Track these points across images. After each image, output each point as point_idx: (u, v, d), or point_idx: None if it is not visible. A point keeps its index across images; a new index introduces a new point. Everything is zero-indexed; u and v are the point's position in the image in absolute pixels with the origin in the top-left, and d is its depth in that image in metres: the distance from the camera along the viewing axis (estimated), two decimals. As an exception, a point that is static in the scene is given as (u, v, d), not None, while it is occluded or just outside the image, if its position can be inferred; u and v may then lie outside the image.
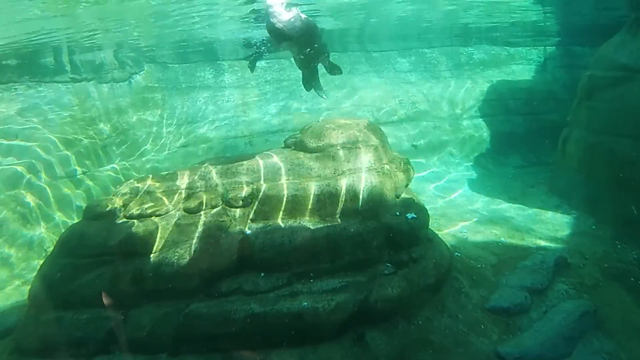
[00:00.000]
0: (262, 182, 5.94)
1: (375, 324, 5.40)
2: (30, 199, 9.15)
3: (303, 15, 6.33)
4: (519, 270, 6.66)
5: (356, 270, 5.67)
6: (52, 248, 6.34)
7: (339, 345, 5.19)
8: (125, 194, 6.03)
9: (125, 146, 11.96)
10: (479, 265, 6.89)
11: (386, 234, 5.85)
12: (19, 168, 9.36)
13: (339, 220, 5.77)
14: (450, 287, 6.13)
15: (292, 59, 7.43)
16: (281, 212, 5.76)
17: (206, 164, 6.41)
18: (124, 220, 5.66)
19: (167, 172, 6.59)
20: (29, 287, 5.83)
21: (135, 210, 5.70)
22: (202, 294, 5.37)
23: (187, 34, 13.36)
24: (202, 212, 5.74)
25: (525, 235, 8.07)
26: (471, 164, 13.47)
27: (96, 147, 11.19)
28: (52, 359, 5.18)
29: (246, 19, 11.36)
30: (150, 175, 6.44)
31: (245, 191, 5.84)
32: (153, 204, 5.79)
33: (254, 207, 5.78)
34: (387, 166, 6.35)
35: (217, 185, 5.97)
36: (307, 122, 7.47)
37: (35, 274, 5.82)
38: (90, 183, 10.60)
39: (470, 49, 16.52)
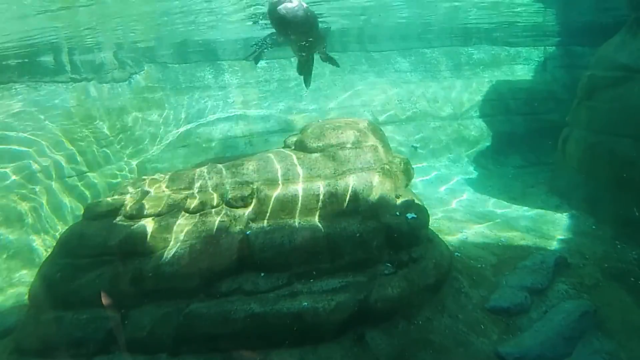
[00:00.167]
0: (262, 182, 5.94)
1: (375, 324, 5.40)
2: (30, 198, 9.15)
3: (304, 5, 6.35)
4: (519, 270, 6.66)
5: (356, 270, 5.67)
6: (51, 248, 6.34)
7: (339, 345, 5.19)
8: (125, 194, 6.03)
9: (125, 146, 11.97)
10: (479, 265, 6.89)
11: (386, 234, 5.85)
12: (20, 168, 9.36)
13: (339, 220, 5.77)
14: (450, 287, 6.13)
15: (290, 46, 7.45)
16: (281, 212, 5.76)
17: (206, 164, 6.41)
18: (124, 220, 5.66)
19: (167, 172, 6.59)
20: (28, 287, 5.83)
21: (135, 210, 5.70)
22: (202, 294, 5.37)
23: (187, 33, 13.39)
24: (202, 212, 5.74)
25: (525, 235, 8.07)
26: (471, 164, 13.47)
27: (96, 147, 11.19)
28: (52, 359, 5.18)
29: (252, 19, 11.33)
30: (150, 176, 6.44)
31: (245, 191, 5.84)
32: (153, 204, 5.79)
33: (254, 207, 5.79)
34: (387, 166, 6.35)
35: (217, 185, 5.97)
36: (307, 122, 7.47)
37: (34, 274, 5.82)
38: (90, 183, 10.60)
39: (470, 49, 16.52)
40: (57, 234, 8.91)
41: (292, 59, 15.29)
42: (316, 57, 8.09)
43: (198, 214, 5.73)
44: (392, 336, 5.33)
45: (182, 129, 13.06)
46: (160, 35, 13.40)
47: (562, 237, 7.98)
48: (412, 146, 13.49)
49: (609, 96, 8.68)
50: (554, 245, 7.64)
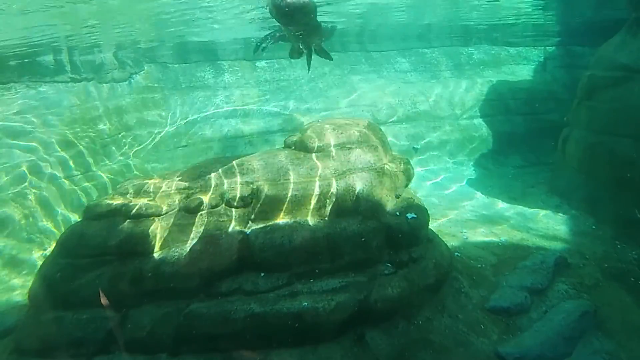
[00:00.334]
0: (262, 182, 5.94)
1: (375, 324, 5.40)
2: (30, 199, 9.15)
3: None
4: (519, 270, 6.66)
5: (356, 270, 5.67)
6: (52, 248, 6.34)
7: (339, 345, 5.19)
8: (125, 194, 6.03)
9: (125, 146, 11.96)
10: (479, 265, 6.89)
11: (386, 234, 5.85)
12: (19, 168, 9.36)
13: (339, 220, 5.77)
14: (450, 287, 6.13)
15: (287, 34, 7.48)
16: (281, 212, 5.76)
17: (206, 164, 6.41)
18: (124, 220, 5.66)
19: (167, 172, 6.59)
20: (27, 287, 5.83)
21: (135, 210, 5.70)
22: (202, 294, 5.37)
23: (187, 33, 13.38)
24: (202, 212, 5.74)
25: (525, 235, 8.07)
26: (471, 164, 13.47)
27: (96, 147, 11.19)
28: (52, 359, 5.18)
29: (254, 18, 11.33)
30: (150, 175, 6.44)
31: (245, 191, 5.84)
32: (153, 203, 5.79)
33: (254, 207, 5.78)
34: (387, 166, 6.35)
35: (217, 185, 5.97)
36: (307, 122, 7.47)
37: (35, 273, 5.82)
38: (90, 183, 10.60)
39: (470, 49, 16.52)
40: (56, 234, 8.91)
41: (292, 59, 15.31)
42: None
43: (198, 213, 5.73)
44: (392, 336, 5.33)
45: (182, 129, 13.06)
46: (160, 35, 13.39)
47: (562, 237, 7.98)
48: (413, 147, 13.48)
49: (609, 96, 8.68)
50: (553, 245, 7.64)
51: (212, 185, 5.97)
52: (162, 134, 12.79)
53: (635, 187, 7.76)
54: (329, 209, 5.80)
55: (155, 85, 13.65)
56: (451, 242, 7.54)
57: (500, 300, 6.00)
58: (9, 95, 10.75)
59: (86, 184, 10.50)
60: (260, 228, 5.64)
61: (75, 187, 10.23)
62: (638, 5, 8.66)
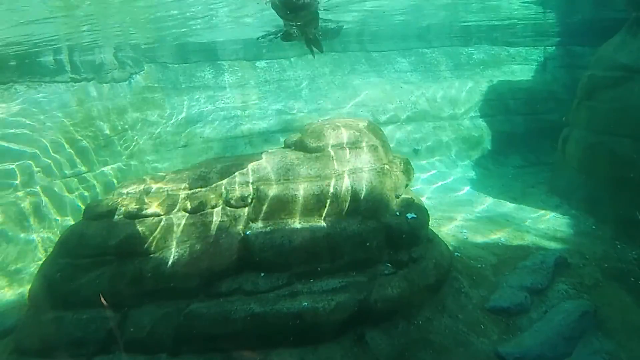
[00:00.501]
0: (262, 182, 5.94)
1: (375, 324, 5.40)
2: (30, 199, 9.15)
3: None
4: (519, 270, 6.66)
5: (356, 270, 5.68)
6: (51, 248, 6.34)
7: (339, 345, 5.20)
8: (125, 194, 6.02)
9: (125, 146, 11.96)
10: (479, 265, 6.89)
11: (386, 234, 5.85)
12: (20, 168, 9.36)
13: (339, 220, 5.77)
14: (450, 287, 6.13)
15: (281, 18, 7.54)
16: (281, 212, 5.76)
17: (206, 164, 6.41)
18: (124, 220, 5.66)
19: (167, 172, 6.59)
20: (27, 287, 5.83)
21: (135, 210, 5.70)
22: (202, 294, 5.37)
23: (187, 33, 13.38)
24: (202, 212, 5.73)
25: (525, 235, 8.07)
26: (471, 164, 13.47)
27: (96, 147, 11.18)
28: (52, 359, 5.18)
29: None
30: (150, 175, 6.44)
31: (245, 191, 5.84)
32: (153, 204, 5.79)
33: (254, 207, 5.78)
34: (387, 166, 6.35)
35: (217, 185, 5.96)
36: (307, 122, 7.47)
37: (34, 274, 5.82)
38: (90, 183, 10.60)
39: (470, 49, 16.52)
40: (57, 234, 8.90)
41: (292, 59, 15.33)
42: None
43: (198, 214, 5.73)
44: (392, 336, 5.33)
45: (182, 129, 13.06)
46: (160, 35, 13.39)
47: (562, 237, 7.97)
48: (414, 149, 13.45)
49: (609, 96, 8.68)
50: (554, 245, 7.64)
51: (212, 185, 5.97)
52: (162, 134, 12.79)
53: (635, 187, 7.76)
54: (329, 209, 5.80)
55: (155, 85, 13.65)
56: (451, 242, 7.54)
57: (500, 300, 6.00)
58: (9, 95, 10.75)
59: (86, 184, 10.50)
60: (260, 228, 5.64)
61: (76, 187, 10.23)
62: (638, 5, 8.66)
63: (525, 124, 14.08)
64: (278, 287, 5.41)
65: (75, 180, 10.33)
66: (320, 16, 11.08)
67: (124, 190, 6.08)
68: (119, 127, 12.04)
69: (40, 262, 6.45)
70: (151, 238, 5.50)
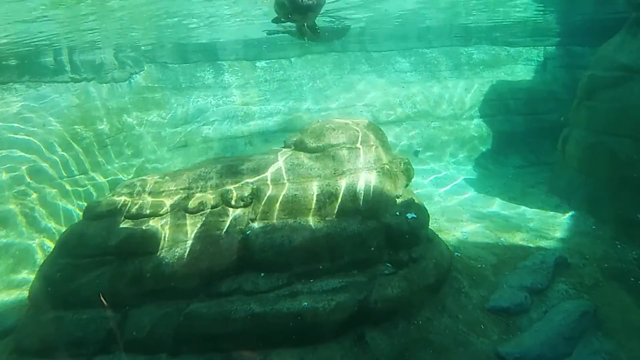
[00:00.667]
0: (262, 182, 5.94)
1: (375, 324, 5.40)
2: (30, 199, 9.15)
3: None
4: (519, 270, 6.66)
5: (356, 270, 5.68)
6: (50, 249, 6.34)
7: (339, 345, 5.20)
8: (125, 194, 6.03)
9: (125, 146, 11.96)
10: (479, 265, 6.89)
11: (386, 234, 5.85)
12: (19, 168, 9.36)
13: (339, 220, 5.77)
14: (450, 287, 6.13)
15: (285, 20, 7.52)
16: (281, 212, 5.76)
17: (206, 164, 6.41)
18: (124, 220, 5.66)
19: (167, 172, 6.59)
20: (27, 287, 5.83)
21: (135, 210, 5.71)
22: (202, 294, 5.37)
23: (187, 33, 13.38)
24: (202, 212, 5.73)
25: (525, 235, 8.07)
26: (471, 164, 13.47)
27: (96, 147, 11.19)
28: (52, 359, 5.18)
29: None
30: (150, 176, 6.44)
31: (245, 191, 5.84)
32: (153, 204, 5.79)
33: (254, 207, 5.78)
34: (387, 166, 6.35)
35: (217, 185, 5.97)
36: (307, 122, 7.46)
37: (35, 274, 5.82)
38: (90, 183, 10.60)
39: (470, 49, 16.51)
40: (56, 233, 8.90)
41: (293, 59, 15.33)
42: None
43: (198, 214, 5.73)
44: (392, 336, 5.33)
45: (182, 129, 13.06)
46: (160, 35, 13.40)
47: (562, 237, 7.97)
48: (415, 150, 13.43)
49: (609, 96, 8.68)
50: (554, 245, 7.64)
51: (212, 185, 5.97)
52: (162, 134, 12.79)
53: (635, 187, 7.76)
54: (328, 209, 5.81)
55: (155, 85, 13.64)
56: (451, 242, 7.54)
57: (500, 300, 6.00)
58: (9, 95, 10.75)
59: (86, 184, 10.50)
60: (260, 228, 5.64)
61: (76, 187, 10.23)
62: (638, 5, 8.66)
63: (525, 124, 14.08)
64: (278, 287, 5.41)
65: (76, 180, 10.33)
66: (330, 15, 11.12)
67: (124, 190, 6.09)
68: (119, 127, 12.04)
69: (39, 264, 6.44)
70: (151, 238, 5.50)
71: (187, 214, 5.73)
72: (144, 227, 5.55)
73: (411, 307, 5.64)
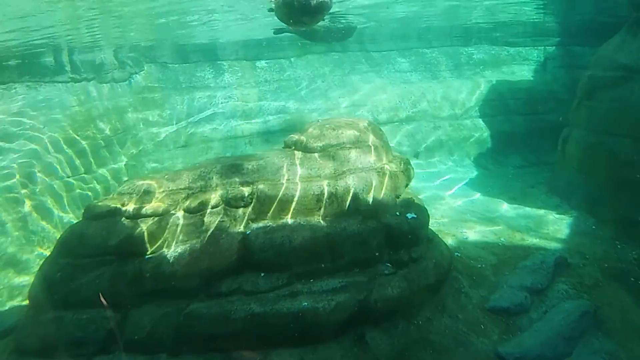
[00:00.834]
0: (262, 182, 5.94)
1: (375, 324, 5.40)
2: (30, 199, 9.15)
3: None
4: (519, 270, 6.66)
5: (356, 270, 5.68)
6: (50, 249, 6.34)
7: (339, 345, 5.20)
8: (125, 194, 6.02)
9: (125, 146, 11.97)
10: (479, 265, 6.89)
11: (386, 234, 5.85)
12: (19, 168, 9.36)
13: (339, 220, 5.77)
14: (450, 287, 6.13)
15: (290, 24, 7.47)
16: (281, 212, 5.76)
17: (206, 164, 6.41)
18: (124, 220, 5.65)
19: (167, 172, 6.58)
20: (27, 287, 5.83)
21: (135, 210, 5.70)
22: (202, 294, 5.37)
23: (187, 34, 13.39)
24: (202, 212, 5.73)
25: (525, 235, 8.07)
26: (471, 164, 13.47)
27: (96, 147, 11.19)
28: (52, 359, 5.18)
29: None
30: (150, 176, 6.44)
31: (245, 191, 5.84)
32: (153, 204, 5.79)
33: (254, 207, 5.78)
34: (387, 166, 6.35)
35: (217, 185, 5.96)
36: (307, 122, 7.46)
37: (35, 274, 5.82)
38: (90, 183, 10.60)
39: (470, 49, 16.52)
40: (56, 234, 8.90)
41: (292, 59, 15.34)
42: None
43: (198, 214, 5.72)
44: (392, 336, 5.33)
45: (182, 129, 13.06)
46: (160, 35, 13.40)
47: (562, 237, 7.97)
48: (416, 152, 13.41)
49: (609, 96, 8.68)
50: (554, 245, 7.64)
51: (213, 185, 5.97)
52: (162, 134, 12.80)
53: (635, 187, 7.76)
54: (329, 209, 5.80)
55: (155, 85, 13.65)
56: (451, 242, 7.54)
57: (500, 300, 6.00)
58: (9, 95, 10.75)
59: (86, 184, 10.50)
60: (260, 228, 5.64)
61: (76, 187, 10.23)
62: (638, 5, 8.66)
63: (525, 124, 14.08)
64: (278, 287, 5.41)
65: (76, 180, 10.33)
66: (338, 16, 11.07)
67: (124, 190, 6.08)
68: (119, 127, 12.04)
69: (38, 265, 6.44)
70: (151, 238, 5.50)
71: (187, 214, 5.73)
72: (144, 227, 5.54)
73: (411, 307, 5.64)
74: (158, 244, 5.50)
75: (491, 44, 16.66)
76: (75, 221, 8.03)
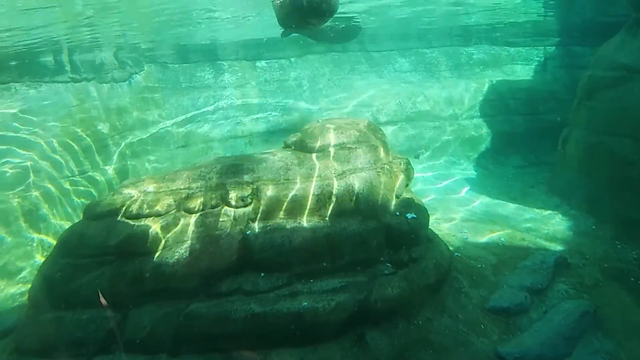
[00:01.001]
0: (262, 182, 5.94)
1: (375, 324, 5.40)
2: (30, 199, 9.15)
3: None
4: (519, 270, 6.66)
5: (356, 270, 5.67)
6: (49, 250, 6.34)
7: (339, 345, 5.19)
8: (125, 194, 6.02)
9: (125, 146, 11.96)
10: (479, 265, 6.89)
11: (386, 234, 5.85)
12: (19, 168, 9.36)
13: (339, 220, 5.77)
14: (450, 287, 6.13)
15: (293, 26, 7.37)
16: (281, 212, 5.76)
17: (206, 164, 6.41)
18: (124, 220, 5.66)
19: (167, 172, 6.59)
20: (28, 287, 5.83)
21: (135, 210, 5.70)
22: (202, 294, 5.37)
23: (187, 34, 13.39)
24: (202, 212, 5.73)
25: (525, 235, 8.07)
26: (471, 164, 13.46)
27: (96, 147, 11.18)
28: (52, 359, 5.17)
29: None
30: (150, 176, 6.44)
31: (245, 191, 5.84)
32: (153, 204, 5.79)
33: (254, 207, 5.78)
34: (387, 166, 6.35)
35: (217, 185, 5.96)
36: (307, 122, 7.46)
37: (35, 274, 5.82)
38: (90, 183, 10.60)
39: (470, 49, 16.52)
40: (55, 234, 8.90)
41: (292, 59, 15.34)
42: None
43: (198, 214, 5.73)
44: (392, 336, 5.33)
45: (182, 129, 13.06)
46: (160, 35, 13.40)
47: (562, 237, 7.97)
48: (417, 153, 13.38)
49: (609, 96, 8.68)
50: (553, 245, 7.64)
51: (212, 185, 5.97)
52: (162, 134, 12.80)
53: (635, 187, 7.76)
54: (329, 209, 5.80)
55: (155, 85, 13.65)
56: (451, 242, 7.54)
57: (500, 300, 6.00)
58: (9, 95, 10.75)
59: (86, 184, 10.50)
60: (260, 228, 5.64)
61: (76, 187, 10.23)
62: (638, 5, 8.66)
63: (525, 124, 14.07)
64: (278, 287, 5.41)
65: (76, 180, 10.33)
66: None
67: (124, 190, 6.08)
68: (119, 127, 12.05)
69: (39, 263, 6.44)
70: (151, 238, 5.50)
71: (187, 214, 5.73)
72: (144, 227, 5.55)
73: (411, 307, 5.64)
74: (158, 244, 5.50)
75: (491, 44, 16.65)
76: (74, 221, 8.05)
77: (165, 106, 13.26)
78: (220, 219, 5.67)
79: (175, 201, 5.85)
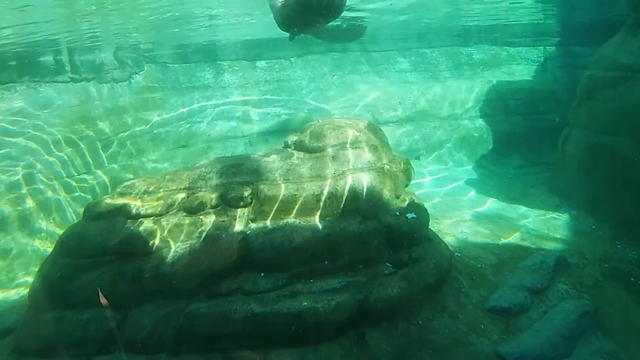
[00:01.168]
0: (262, 182, 5.94)
1: (375, 324, 5.40)
2: (30, 199, 9.15)
3: None
4: (519, 270, 6.66)
5: (356, 270, 5.67)
6: (50, 249, 6.34)
7: (339, 345, 5.19)
8: (125, 194, 6.03)
9: (125, 146, 11.97)
10: (479, 265, 6.89)
11: (386, 234, 5.85)
12: (19, 168, 9.36)
13: (339, 220, 5.77)
14: (450, 287, 6.13)
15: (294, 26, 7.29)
16: (281, 212, 5.76)
17: (206, 164, 6.41)
18: (124, 220, 5.66)
19: (167, 172, 6.59)
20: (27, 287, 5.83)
21: (135, 210, 5.70)
22: (202, 294, 5.37)
23: (187, 34, 13.39)
24: (202, 212, 5.74)
25: (525, 235, 8.07)
26: (471, 164, 13.47)
27: (96, 147, 11.20)
28: (52, 359, 5.17)
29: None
30: (150, 176, 6.44)
31: (245, 191, 5.84)
32: (153, 204, 5.79)
33: (254, 207, 5.78)
34: (387, 166, 6.35)
35: (217, 185, 5.96)
36: (307, 122, 7.47)
37: (34, 274, 5.82)
38: (90, 183, 10.61)
39: (470, 49, 16.53)
40: (55, 234, 8.90)
41: (292, 59, 15.34)
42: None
43: (198, 214, 5.73)
44: (392, 336, 5.33)
45: (182, 129, 13.06)
46: (160, 35, 13.40)
47: (562, 237, 7.98)
48: (418, 154, 13.38)
49: (609, 96, 8.68)
50: (554, 245, 7.64)
51: (212, 185, 5.97)
52: (162, 134, 12.80)
53: (635, 187, 7.76)
54: (329, 209, 5.80)
55: (155, 85, 13.65)
56: (451, 242, 7.54)
57: (500, 300, 6.00)
58: (9, 95, 10.75)
59: (86, 184, 10.50)
60: (260, 228, 5.64)
61: (76, 187, 10.23)
62: (638, 5, 8.66)
63: (525, 124, 14.08)
64: (278, 287, 5.40)
65: (76, 180, 10.33)
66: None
67: (124, 191, 6.08)
68: (119, 127, 12.05)
69: (39, 263, 6.44)
70: (151, 238, 5.50)
71: (187, 214, 5.73)
72: (144, 227, 5.55)
73: (411, 307, 5.63)
74: (158, 244, 5.50)
75: (491, 44, 16.66)
76: (74, 221, 8.05)
77: (165, 106, 13.26)
78: (220, 219, 5.68)
79: (175, 201, 5.85)
